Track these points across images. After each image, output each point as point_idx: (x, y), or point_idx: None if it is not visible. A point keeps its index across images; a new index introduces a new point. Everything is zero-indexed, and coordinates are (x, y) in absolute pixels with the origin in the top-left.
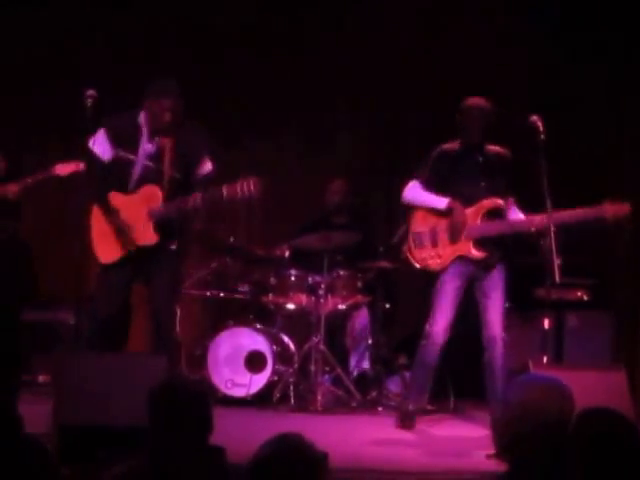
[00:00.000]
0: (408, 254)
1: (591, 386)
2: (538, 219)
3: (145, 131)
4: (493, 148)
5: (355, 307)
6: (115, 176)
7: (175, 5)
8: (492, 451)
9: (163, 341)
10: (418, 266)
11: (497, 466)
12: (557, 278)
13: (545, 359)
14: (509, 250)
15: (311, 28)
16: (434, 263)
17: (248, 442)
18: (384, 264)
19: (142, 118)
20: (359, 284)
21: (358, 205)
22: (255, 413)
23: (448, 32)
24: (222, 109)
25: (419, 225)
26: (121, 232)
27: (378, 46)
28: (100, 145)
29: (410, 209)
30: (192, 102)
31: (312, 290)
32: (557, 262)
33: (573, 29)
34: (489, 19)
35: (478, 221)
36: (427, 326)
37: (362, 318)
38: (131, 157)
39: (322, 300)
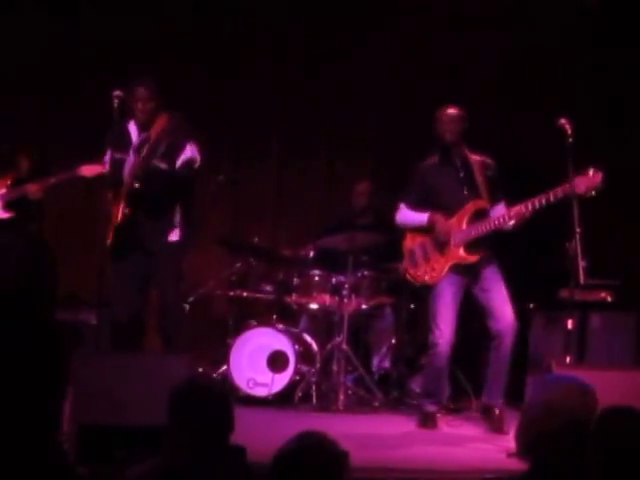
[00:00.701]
0: (407, 274)
1: (613, 386)
2: (515, 209)
3: (135, 129)
4: (473, 157)
5: (379, 307)
6: (114, 178)
7: (191, 8)
8: (513, 451)
9: (167, 322)
10: (417, 283)
11: (518, 465)
12: (581, 279)
13: (568, 359)
14: (495, 248)
15: (338, 31)
16: (430, 277)
17: (269, 442)
18: None
19: (132, 122)
20: (383, 285)
21: (383, 207)
22: (277, 413)
23: (472, 35)
24: (249, 112)
25: (410, 243)
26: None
27: (406, 47)
28: (106, 160)
29: (402, 231)
30: (216, 106)
31: (336, 290)
32: (582, 264)
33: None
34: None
35: (463, 226)
36: (432, 337)
37: (385, 318)
38: (124, 156)
39: (346, 300)
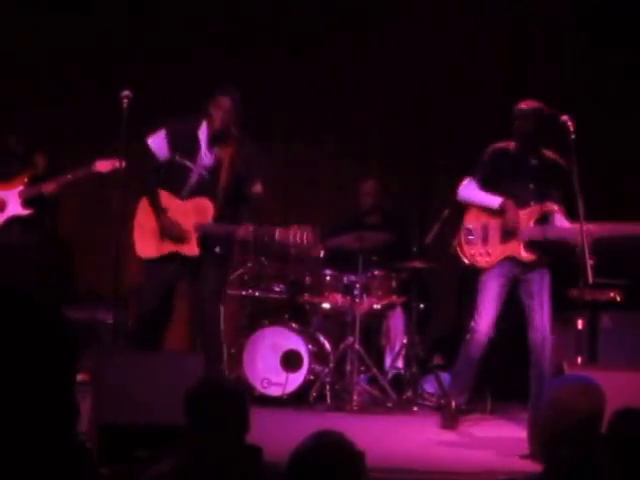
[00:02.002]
0: (458, 249)
1: (625, 386)
2: (593, 228)
3: (205, 140)
4: (550, 154)
5: (390, 307)
6: (170, 178)
7: (206, 6)
8: (527, 452)
9: (208, 341)
10: (467, 261)
11: (532, 466)
12: (590, 279)
13: (579, 360)
14: (553, 258)
15: (345, 27)
16: (482, 260)
17: (284, 441)
18: (418, 264)
19: (204, 125)
20: (394, 284)
21: (391, 205)
22: (291, 412)
23: (483, 31)
24: (256, 109)
25: (471, 221)
26: (165, 233)
27: (412, 45)
28: (157, 144)
29: (463, 206)
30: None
31: (347, 290)
32: (590, 263)
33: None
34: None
35: (531, 224)
36: (472, 322)
37: (397, 318)
38: (188, 164)
39: (357, 300)
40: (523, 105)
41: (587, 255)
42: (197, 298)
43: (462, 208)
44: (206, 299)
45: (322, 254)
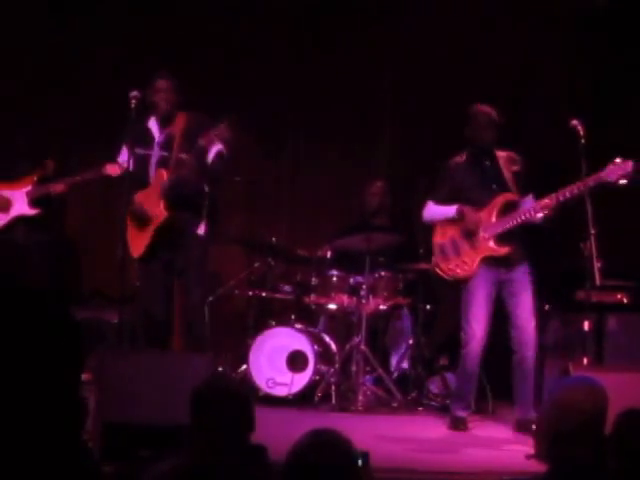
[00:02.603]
0: (437, 269)
1: (631, 388)
2: (543, 201)
3: (156, 127)
4: (501, 153)
5: (396, 308)
6: (138, 175)
7: (214, 6)
8: (532, 452)
9: (197, 340)
10: (448, 278)
11: (537, 467)
12: (597, 281)
13: (585, 361)
14: (529, 245)
15: (353, 28)
16: (462, 270)
17: (289, 441)
18: (424, 265)
19: (152, 118)
20: (400, 285)
21: (398, 207)
22: (296, 412)
23: (493, 35)
24: (263, 111)
25: (439, 237)
26: (140, 221)
27: (420, 46)
28: (122, 157)
29: (430, 227)
30: (232, 107)
31: (354, 291)
32: (597, 265)
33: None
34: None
35: (493, 218)
36: (464, 335)
37: (403, 319)
38: (148, 152)
39: (364, 301)
40: (471, 106)
41: (594, 257)
42: (186, 301)
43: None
44: (195, 301)
45: (329, 255)
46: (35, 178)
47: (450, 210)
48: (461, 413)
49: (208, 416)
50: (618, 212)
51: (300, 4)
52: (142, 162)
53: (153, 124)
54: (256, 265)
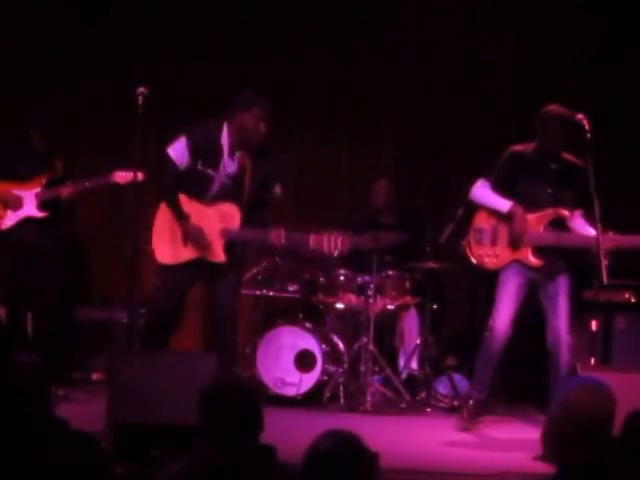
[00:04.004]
0: (467, 249)
1: (638, 388)
2: (608, 237)
3: (227, 146)
4: (569, 157)
5: (404, 308)
6: (191, 185)
7: (223, 5)
8: (540, 453)
9: (223, 342)
10: (474, 261)
11: (545, 468)
12: (605, 280)
13: (593, 361)
14: (571, 261)
15: (356, 29)
16: (490, 262)
17: (298, 441)
18: (432, 264)
19: (225, 131)
20: (408, 284)
21: (405, 205)
22: (305, 412)
23: (495, 36)
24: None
25: (482, 222)
26: (190, 239)
27: (425, 44)
28: (178, 152)
29: (474, 206)
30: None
31: (361, 290)
32: (605, 264)
33: None
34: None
35: (540, 229)
36: (490, 321)
37: (411, 319)
38: (211, 173)
39: (371, 300)
40: (547, 109)
41: (602, 256)
42: (214, 298)
43: (474, 208)
44: (224, 299)
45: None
46: (44, 180)
47: (503, 204)
48: (478, 395)
49: (217, 416)
50: (626, 210)
51: (302, 5)
52: (203, 180)
53: (225, 141)
54: (263, 264)
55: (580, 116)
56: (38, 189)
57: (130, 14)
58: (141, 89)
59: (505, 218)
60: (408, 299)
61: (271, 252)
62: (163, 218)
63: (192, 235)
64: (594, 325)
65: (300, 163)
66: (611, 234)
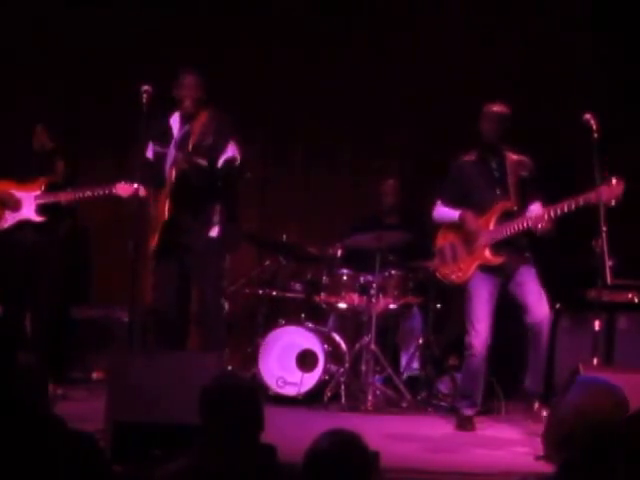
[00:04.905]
0: (436, 272)
1: None
2: (535, 214)
3: (177, 124)
4: (511, 155)
5: (406, 307)
6: (156, 174)
7: (227, 5)
8: (541, 453)
9: (209, 326)
10: (446, 281)
11: (546, 467)
12: (608, 279)
13: (596, 361)
14: (529, 250)
15: (358, 32)
16: (457, 277)
17: (299, 441)
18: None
19: (175, 114)
20: (410, 284)
21: (410, 205)
22: (306, 412)
23: (500, 35)
24: (274, 111)
25: (440, 242)
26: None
27: (429, 48)
28: (149, 153)
29: (436, 227)
30: (244, 105)
31: (364, 290)
32: (608, 264)
33: None
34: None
35: (491, 226)
36: (467, 337)
37: (413, 318)
38: (165, 150)
39: (374, 300)
40: (486, 106)
41: (606, 256)
42: (196, 284)
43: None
44: (206, 284)
45: (340, 253)
46: (44, 185)
47: (454, 214)
48: (468, 412)
49: (217, 415)
50: (630, 210)
51: (307, 5)
52: (159, 160)
53: (175, 121)
54: (266, 263)
55: (587, 116)
56: (38, 192)
57: (130, 14)
58: (146, 87)
59: (458, 229)
60: (410, 299)
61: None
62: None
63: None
64: (597, 325)
65: (305, 163)
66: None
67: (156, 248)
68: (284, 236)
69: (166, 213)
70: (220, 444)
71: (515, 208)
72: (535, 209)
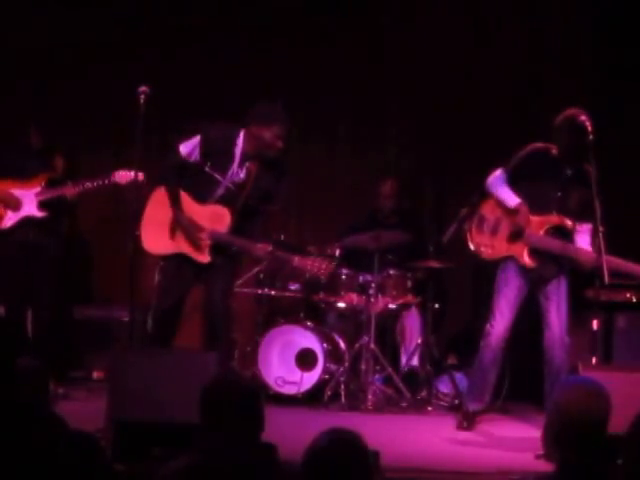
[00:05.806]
0: (467, 233)
1: None
2: (593, 259)
3: (239, 154)
4: (589, 167)
5: (405, 307)
6: (196, 185)
7: (228, 3)
8: (541, 452)
9: (218, 340)
10: (472, 247)
11: (546, 466)
12: (606, 279)
13: (594, 360)
14: (566, 267)
15: (359, 30)
16: (486, 251)
17: (299, 440)
18: (434, 264)
19: (241, 139)
20: (409, 284)
21: (408, 205)
22: (306, 411)
23: (498, 34)
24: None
25: (487, 211)
26: (179, 228)
27: (427, 47)
28: (188, 149)
29: (486, 194)
30: (243, 104)
31: (363, 289)
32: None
33: None
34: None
35: (541, 232)
36: (488, 325)
37: (412, 318)
38: (218, 177)
39: (372, 299)
40: (563, 115)
41: (603, 255)
42: (208, 297)
43: (483, 196)
44: (217, 298)
45: (338, 253)
46: (44, 181)
47: (510, 199)
48: (472, 407)
49: (218, 415)
50: (628, 210)
51: (304, 5)
52: (209, 182)
53: (238, 149)
54: (265, 263)
55: (583, 117)
56: (38, 189)
57: (130, 13)
58: (143, 88)
59: (510, 212)
60: (409, 298)
61: (256, 262)
62: (155, 205)
63: (183, 224)
64: (595, 324)
65: (303, 161)
66: (611, 258)
67: (163, 254)
68: (282, 236)
69: (207, 259)
70: (220, 444)
71: (570, 227)
72: (584, 232)
